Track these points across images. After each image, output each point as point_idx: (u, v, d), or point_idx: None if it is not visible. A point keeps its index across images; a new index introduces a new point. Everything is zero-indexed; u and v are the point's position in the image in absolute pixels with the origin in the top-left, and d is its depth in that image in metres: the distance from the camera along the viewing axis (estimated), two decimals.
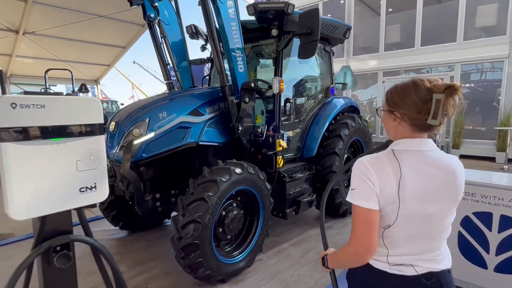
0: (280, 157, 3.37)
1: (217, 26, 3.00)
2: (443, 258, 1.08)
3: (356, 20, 11.34)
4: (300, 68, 4.19)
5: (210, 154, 3.30)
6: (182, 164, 3.08)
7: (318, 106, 4.16)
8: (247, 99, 3.20)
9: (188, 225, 2.40)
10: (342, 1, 11.51)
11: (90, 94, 11.59)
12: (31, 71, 10.13)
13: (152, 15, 3.48)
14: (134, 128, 2.67)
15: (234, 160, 2.87)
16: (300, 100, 4.06)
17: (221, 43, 3.08)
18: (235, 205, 2.86)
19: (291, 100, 3.53)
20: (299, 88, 4.09)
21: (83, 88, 11.02)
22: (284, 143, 3.35)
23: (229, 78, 3.15)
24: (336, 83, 4.69)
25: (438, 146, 1.14)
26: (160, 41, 3.66)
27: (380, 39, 10.58)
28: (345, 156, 4.15)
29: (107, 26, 10.49)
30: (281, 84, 3.18)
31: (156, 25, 3.57)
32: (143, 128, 2.68)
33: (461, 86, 0.97)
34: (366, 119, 10.94)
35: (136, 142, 2.65)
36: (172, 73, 3.92)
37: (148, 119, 2.71)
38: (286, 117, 3.65)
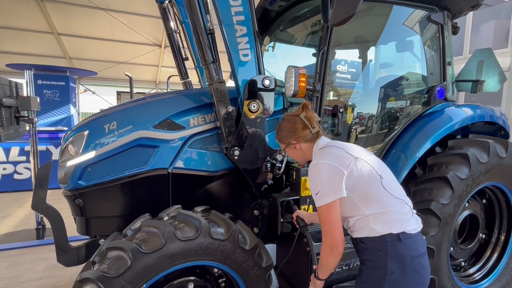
0: (306, 206, 1.93)
1: None
2: None
3: None
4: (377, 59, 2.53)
5: (208, 186, 2.17)
6: (152, 199, 2.08)
7: (407, 119, 2.36)
8: (254, 107, 1.94)
9: None
10: None
11: None
12: (172, 79, 11.88)
13: None
14: (69, 143, 1.88)
15: (196, 210, 1.67)
16: (371, 109, 2.40)
17: (208, 15, 1.93)
18: (192, 287, 1.66)
19: (341, 110, 1.99)
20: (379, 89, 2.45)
21: None
22: None
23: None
24: (459, 81, 2.69)
25: None
26: (174, 28, 2.81)
27: None
28: (462, 214, 2.20)
29: None
30: (302, 80, 1.73)
31: (168, 7, 2.74)
32: (78, 145, 1.85)
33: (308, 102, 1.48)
34: None
35: (69, 163, 1.85)
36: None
37: (87, 131, 1.87)
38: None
